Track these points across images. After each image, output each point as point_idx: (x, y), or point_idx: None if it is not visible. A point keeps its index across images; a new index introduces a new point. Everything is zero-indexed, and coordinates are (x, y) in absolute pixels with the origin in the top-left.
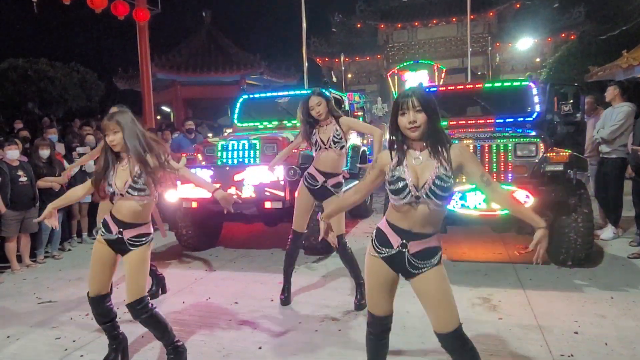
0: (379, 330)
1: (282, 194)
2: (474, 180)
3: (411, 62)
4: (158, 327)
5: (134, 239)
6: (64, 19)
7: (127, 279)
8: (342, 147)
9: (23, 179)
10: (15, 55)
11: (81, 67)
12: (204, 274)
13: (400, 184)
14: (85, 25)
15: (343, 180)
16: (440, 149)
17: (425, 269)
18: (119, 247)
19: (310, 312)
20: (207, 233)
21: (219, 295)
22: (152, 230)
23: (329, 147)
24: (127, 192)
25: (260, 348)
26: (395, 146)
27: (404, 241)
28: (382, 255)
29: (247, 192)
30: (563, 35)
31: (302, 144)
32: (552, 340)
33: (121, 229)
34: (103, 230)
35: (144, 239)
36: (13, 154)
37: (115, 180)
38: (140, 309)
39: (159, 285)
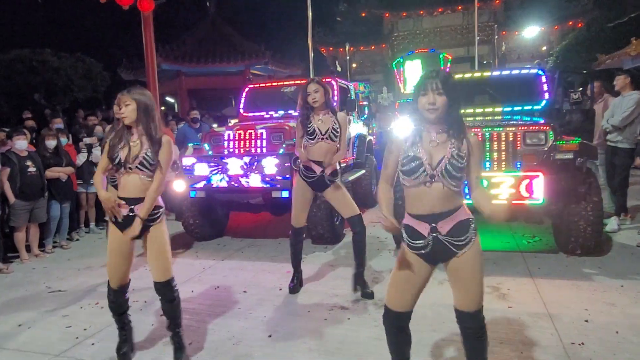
0: (396, 325)
1: (289, 183)
2: (470, 174)
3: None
4: (177, 309)
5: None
6: (69, 10)
7: (154, 260)
8: (337, 140)
9: (32, 169)
10: (21, 46)
11: (87, 58)
12: (212, 263)
13: (414, 164)
14: (89, 15)
15: (338, 167)
16: (457, 132)
17: (465, 249)
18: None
19: (319, 301)
20: (214, 223)
21: (228, 284)
22: (162, 203)
23: (326, 138)
24: (137, 166)
25: (270, 336)
26: (411, 127)
27: (433, 225)
28: (420, 251)
29: (254, 182)
30: (570, 23)
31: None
32: (562, 328)
33: (132, 207)
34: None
35: (157, 211)
36: (22, 144)
37: (123, 152)
38: (171, 289)
39: None
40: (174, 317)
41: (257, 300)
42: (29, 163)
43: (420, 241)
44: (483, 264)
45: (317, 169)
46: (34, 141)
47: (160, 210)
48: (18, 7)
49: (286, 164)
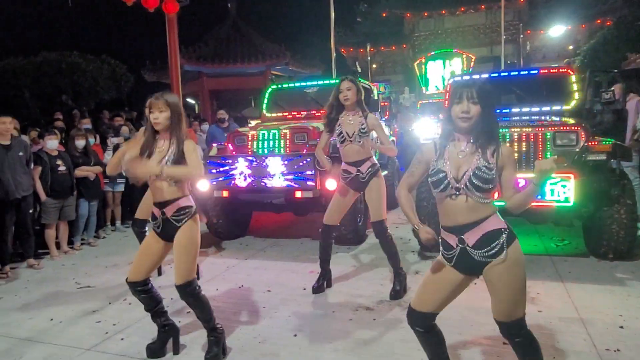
0: (419, 325)
1: (313, 183)
2: (504, 188)
3: (442, 51)
4: (203, 309)
5: (176, 215)
6: (94, 12)
7: (175, 261)
8: (366, 138)
9: (62, 168)
10: (49, 49)
11: (111, 60)
12: (236, 263)
13: (440, 175)
14: (114, 18)
15: (376, 162)
16: (488, 143)
17: (496, 260)
18: (169, 231)
19: (343, 301)
20: (237, 222)
21: (252, 283)
22: (192, 203)
23: (353, 140)
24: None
25: (295, 335)
26: (443, 135)
27: (460, 236)
28: (451, 262)
29: (277, 182)
30: (598, 21)
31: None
32: (596, 334)
33: (163, 210)
34: (152, 221)
35: (186, 210)
36: (53, 143)
37: (153, 158)
38: (189, 292)
39: None
40: (203, 320)
41: (281, 300)
42: (59, 162)
43: (450, 252)
44: (522, 277)
45: (353, 170)
46: (62, 141)
47: (188, 209)
48: (46, 10)
49: (309, 165)
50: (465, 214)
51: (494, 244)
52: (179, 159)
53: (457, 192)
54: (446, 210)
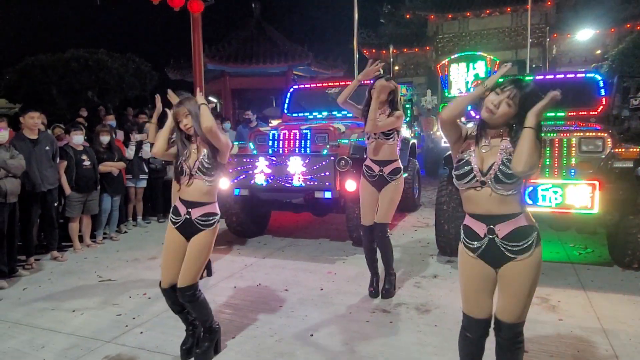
0: (477, 334)
1: (332, 184)
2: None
3: (465, 54)
4: (202, 311)
5: (201, 219)
6: (120, 10)
7: (185, 262)
8: (391, 139)
9: (86, 162)
10: (77, 46)
11: (136, 58)
12: (254, 261)
13: (466, 168)
14: (140, 16)
15: (401, 166)
16: (511, 137)
17: (522, 256)
18: (188, 230)
19: (360, 303)
20: (256, 221)
21: (269, 282)
22: (218, 211)
23: (379, 137)
24: (196, 172)
25: (312, 335)
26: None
27: (490, 226)
28: (476, 252)
29: (297, 181)
30: (628, 25)
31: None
32: (619, 345)
33: (189, 209)
34: (172, 215)
35: (211, 218)
36: (78, 139)
37: (187, 161)
38: (189, 295)
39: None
40: (200, 320)
41: (299, 300)
42: (84, 157)
43: (476, 242)
44: (536, 280)
45: (376, 168)
46: (86, 137)
47: (215, 217)
48: (74, 8)
49: (329, 165)
50: (498, 205)
51: (525, 240)
52: (212, 159)
53: (482, 186)
54: (475, 200)
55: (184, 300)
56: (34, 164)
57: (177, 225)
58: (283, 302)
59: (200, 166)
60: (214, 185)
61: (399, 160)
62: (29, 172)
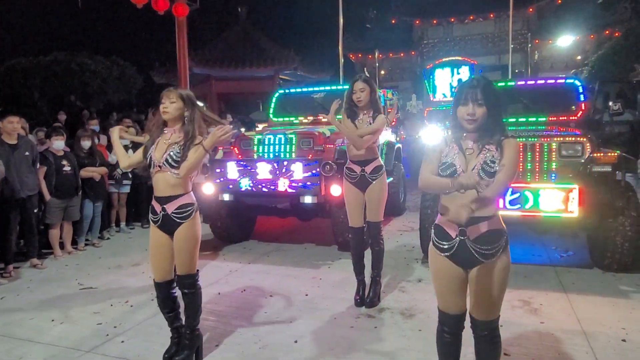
0: (453, 329)
1: (317, 189)
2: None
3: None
4: (195, 307)
5: (177, 212)
6: (104, 13)
7: (176, 257)
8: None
9: (67, 168)
10: (59, 49)
11: (121, 61)
12: (239, 267)
13: (451, 170)
14: (124, 19)
15: (382, 163)
16: (494, 140)
17: (491, 259)
18: (168, 226)
19: (345, 309)
20: (241, 226)
21: (254, 288)
22: (194, 200)
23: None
24: (164, 164)
25: (296, 342)
26: (451, 133)
27: (462, 228)
28: (445, 253)
29: (282, 186)
30: (607, 32)
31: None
32: (598, 347)
33: (163, 206)
34: (151, 214)
35: (188, 209)
36: (59, 144)
37: (154, 152)
38: (189, 283)
39: None
40: (189, 318)
41: (283, 305)
42: (64, 162)
43: (446, 242)
44: (506, 280)
45: (357, 169)
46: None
47: (192, 207)
48: (57, 10)
49: (315, 170)
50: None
51: (495, 245)
52: (182, 153)
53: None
54: (453, 202)
55: (184, 287)
56: (13, 169)
57: (157, 223)
58: (268, 308)
59: (168, 158)
60: (184, 178)
61: (380, 158)
62: (8, 177)
